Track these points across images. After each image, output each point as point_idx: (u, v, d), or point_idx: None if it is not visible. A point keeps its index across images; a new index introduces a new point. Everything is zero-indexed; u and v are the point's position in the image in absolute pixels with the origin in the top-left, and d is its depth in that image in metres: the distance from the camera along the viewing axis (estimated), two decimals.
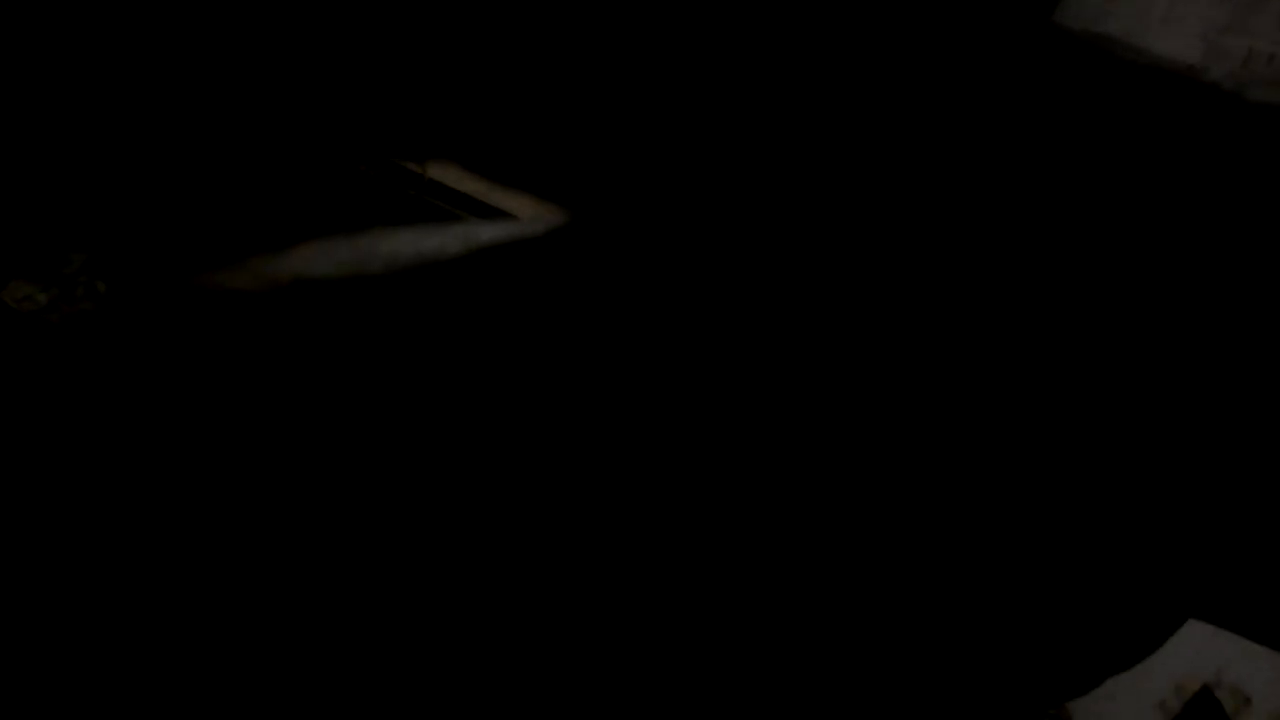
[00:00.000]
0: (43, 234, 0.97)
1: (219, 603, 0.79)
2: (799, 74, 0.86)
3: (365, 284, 0.87)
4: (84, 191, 0.98)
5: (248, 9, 0.94)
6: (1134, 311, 0.79)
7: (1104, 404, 0.80)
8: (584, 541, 0.83)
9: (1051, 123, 0.80)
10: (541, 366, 0.85)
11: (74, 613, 0.77)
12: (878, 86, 0.83)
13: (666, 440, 0.85)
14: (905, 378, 0.83)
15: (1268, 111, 0.73)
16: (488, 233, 0.90)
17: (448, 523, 0.82)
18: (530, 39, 0.87)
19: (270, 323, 0.84)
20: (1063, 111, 0.80)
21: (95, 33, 0.98)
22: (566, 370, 0.85)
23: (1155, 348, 0.78)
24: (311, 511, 0.81)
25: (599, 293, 0.86)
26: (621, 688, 0.83)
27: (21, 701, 0.77)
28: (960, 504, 0.84)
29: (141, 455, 0.82)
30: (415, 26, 0.91)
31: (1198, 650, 1.28)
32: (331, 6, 0.95)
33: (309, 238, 0.99)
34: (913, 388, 0.83)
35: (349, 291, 0.87)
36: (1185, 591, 0.84)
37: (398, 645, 0.81)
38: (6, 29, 0.98)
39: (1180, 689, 1.25)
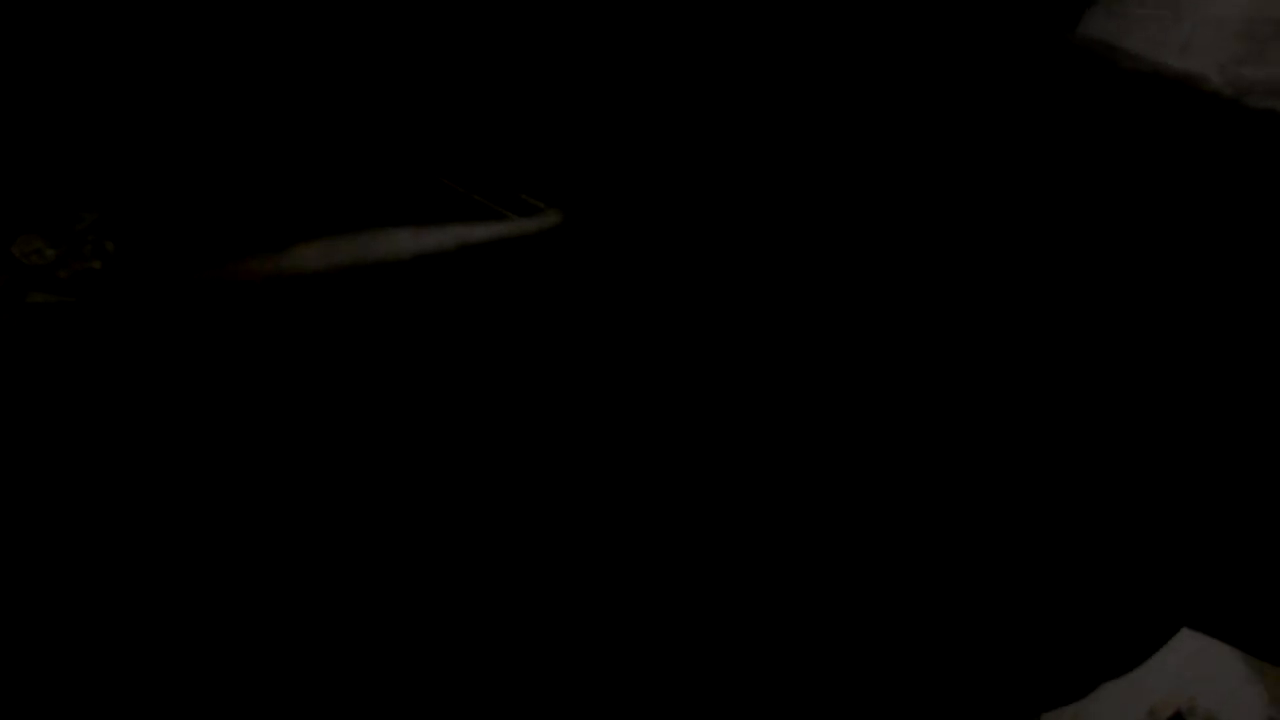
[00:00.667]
0: (55, 191, 0.98)
1: (219, 591, 0.80)
2: (806, 80, 0.86)
3: (366, 279, 0.87)
4: (100, 152, 0.99)
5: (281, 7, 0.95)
6: (1135, 320, 0.79)
7: (1102, 412, 0.80)
8: (577, 537, 0.83)
9: (1060, 127, 0.80)
10: (535, 360, 0.85)
11: (75, 603, 0.77)
12: (886, 89, 0.83)
13: (660, 436, 0.85)
14: (904, 381, 0.83)
15: (1266, 118, 0.73)
16: (482, 232, 0.90)
17: (443, 512, 0.82)
18: (531, 42, 0.87)
19: (272, 316, 0.85)
20: (1070, 116, 0.79)
21: (132, 10, 0.98)
22: (560, 364, 0.85)
23: (1155, 352, 0.78)
24: (309, 501, 0.81)
25: (593, 290, 0.86)
26: (621, 687, 0.83)
27: (21, 701, 0.77)
28: (957, 509, 0.84)
29: (140, 443, 0.82)
30: (443, 31, 0.92)
31: (1175, 675, 1.28)
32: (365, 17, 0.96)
33: (326, 229, 1.00)
34: (911, 392, 0.83)
35: (350, 286, 0.87)
36: (1178, 599, 0.84)
37: (396, 643, 0.81)
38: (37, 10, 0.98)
39: (1154, 713, 1.25)
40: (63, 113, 0.99)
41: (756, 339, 0.81)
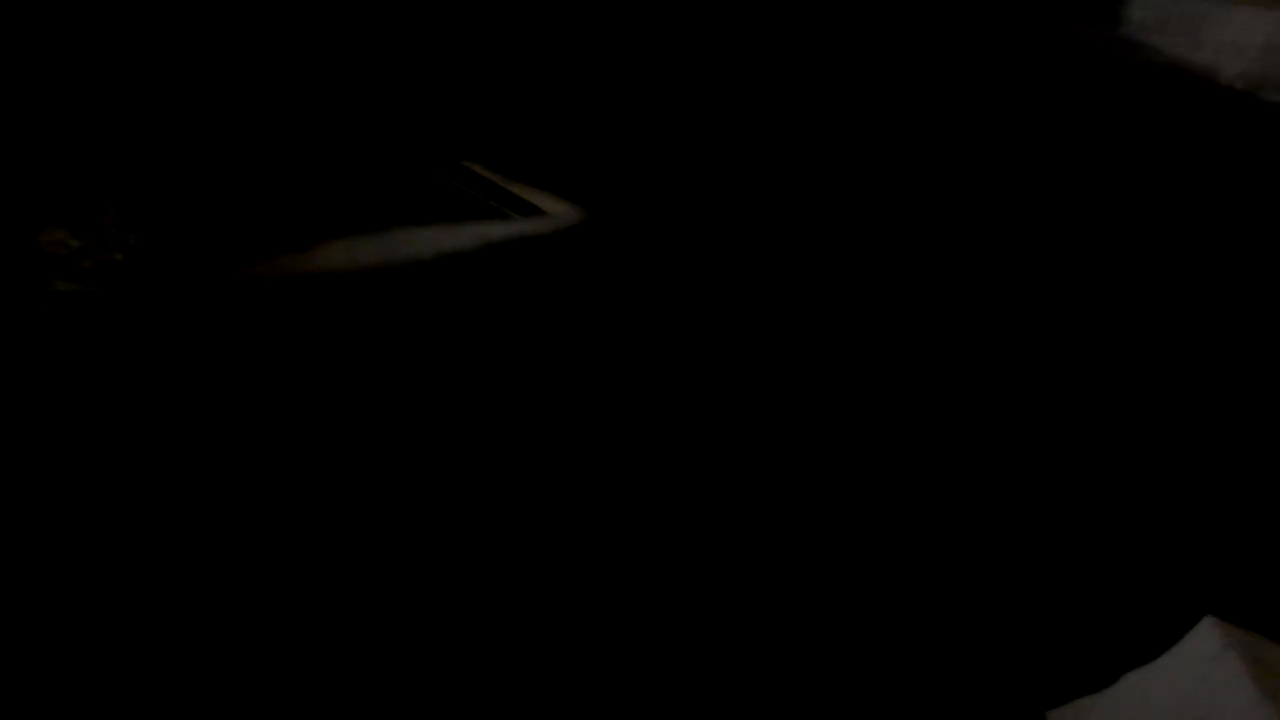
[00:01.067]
0: (80, 185, 1.00)
1: (221, 596, 0.80)
2: (812, 74, 0.87)
3: (388, 280, 0.88)
4: (125, 148, 1.00)
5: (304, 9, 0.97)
6: (1146, 309, 0.79)
7: (1118, 399, 0.80)
8: (592, 540, 0.83)
9: (1069, 121, 0.81)
10: (553, 362, 0.86)
11: (75, 606, 0.78)
12: (894, 85, 0.84)
13: (674, 438, 0.86)
14: (915, 377, 0.84)
15: (1278, 111, 0.74)
16: (501, 231, 0.91)
17: (458, 516, 0.83)
18: (542, 41, 0.88)
19: (293, 315, 0.86)
20: (1080, 110, 0.80)
21: (156, 5, 1.00)
22: (577, 365, 0.86)
23: (1167, 345, 0.78)
24: (322, 505, 0.81)
25: (611, 290, 0.87)
26: (621, 688, 0.83)
27: (21, 702, 0.77)
28: (973, 500, 0.84)
29: (157, 428, 0.83)
30: (467, 32, 0.93)
31: (1181, 696, 1.28)
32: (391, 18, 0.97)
33: (349, 227, 1.01)
34: (922, 386, 0.83)
35: (372, 287, 0.88)
36: (1202, 586, 0.84)
37: (402, 644, 0.81)
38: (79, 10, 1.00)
39: None
40: (88, 109, 1.01)
41: (775, 339, 0.81)
